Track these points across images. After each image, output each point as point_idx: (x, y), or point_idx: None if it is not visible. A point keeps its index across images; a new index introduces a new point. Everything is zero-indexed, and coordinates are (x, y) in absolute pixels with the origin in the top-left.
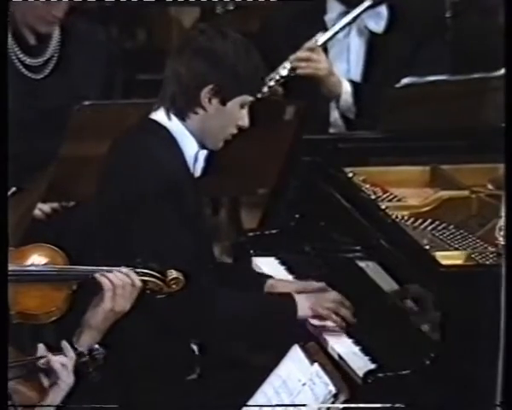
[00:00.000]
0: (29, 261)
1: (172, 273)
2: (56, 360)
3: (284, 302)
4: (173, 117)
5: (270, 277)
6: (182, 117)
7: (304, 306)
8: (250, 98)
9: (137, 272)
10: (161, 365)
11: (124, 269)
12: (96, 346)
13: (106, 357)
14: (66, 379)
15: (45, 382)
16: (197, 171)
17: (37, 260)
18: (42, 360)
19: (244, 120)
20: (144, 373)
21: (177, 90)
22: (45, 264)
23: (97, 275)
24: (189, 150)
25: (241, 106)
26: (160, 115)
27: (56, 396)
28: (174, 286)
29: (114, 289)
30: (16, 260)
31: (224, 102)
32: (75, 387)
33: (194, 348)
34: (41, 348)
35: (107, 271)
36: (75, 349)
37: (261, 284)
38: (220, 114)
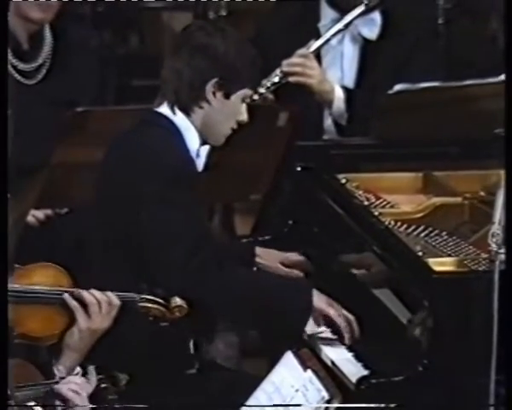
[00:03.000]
0: (33, 281)
1: (176, 301)
2: (66, 387)
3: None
4: (178, 111)
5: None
6: (187, 111)
7: (320, 299)
8: (250, 92)
9: (142, 298)
10: (160, 359)
11: None
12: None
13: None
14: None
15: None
16: (199, 166)
17: (41, 280)
18: (54, 386)
19: (243, 114)
20: (143, 368)
21: (180, 86)
22: (50, 285)
23: (65, 296)
24: (192, 145)
25: (243, 100)
26: (164, 109)
27: None
28: (178, 314)
29: (87, 308)
30: (20, 280)
31: (227, 96)
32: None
33: (191, 346)
34: (61, 371)
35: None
36: (98, 374)
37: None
38: (224, 107)
